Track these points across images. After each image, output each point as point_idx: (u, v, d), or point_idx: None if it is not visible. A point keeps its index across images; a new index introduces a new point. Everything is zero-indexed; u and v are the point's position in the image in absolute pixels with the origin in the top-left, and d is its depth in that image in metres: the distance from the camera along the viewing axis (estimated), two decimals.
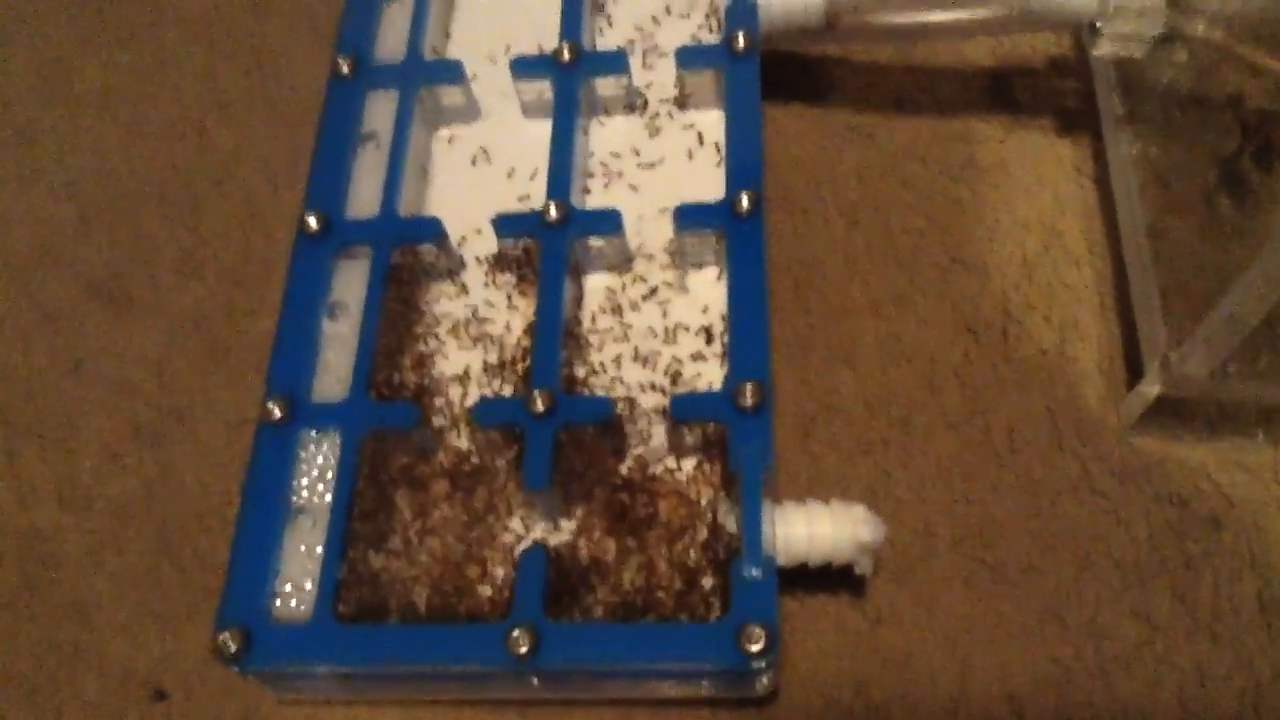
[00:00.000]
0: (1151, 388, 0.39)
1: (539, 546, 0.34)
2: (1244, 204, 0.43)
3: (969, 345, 0.42)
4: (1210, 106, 0.45)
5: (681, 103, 0.44)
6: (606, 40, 0.46)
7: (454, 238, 0.41)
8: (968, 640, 0.37)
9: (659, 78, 0.44)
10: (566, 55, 0.42)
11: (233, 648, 0.32)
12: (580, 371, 0.38)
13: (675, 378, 0.38)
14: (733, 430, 0.34)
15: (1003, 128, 0.48)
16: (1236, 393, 0.39)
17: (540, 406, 0.35)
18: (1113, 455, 0.40)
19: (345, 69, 0.43)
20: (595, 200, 0.42)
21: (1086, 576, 0.38)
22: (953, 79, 0.49)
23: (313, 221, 0.39)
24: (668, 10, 0.46)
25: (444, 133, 0.45)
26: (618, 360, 0.39)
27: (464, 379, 0.39)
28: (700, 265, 0.40)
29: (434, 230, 0.39)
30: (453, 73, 0.43)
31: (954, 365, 0.42)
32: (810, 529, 0.33)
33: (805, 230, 0.45)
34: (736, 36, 0.41)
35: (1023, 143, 0.47)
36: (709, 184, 0.41)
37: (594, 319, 0.40)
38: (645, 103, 0.44)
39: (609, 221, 0.39)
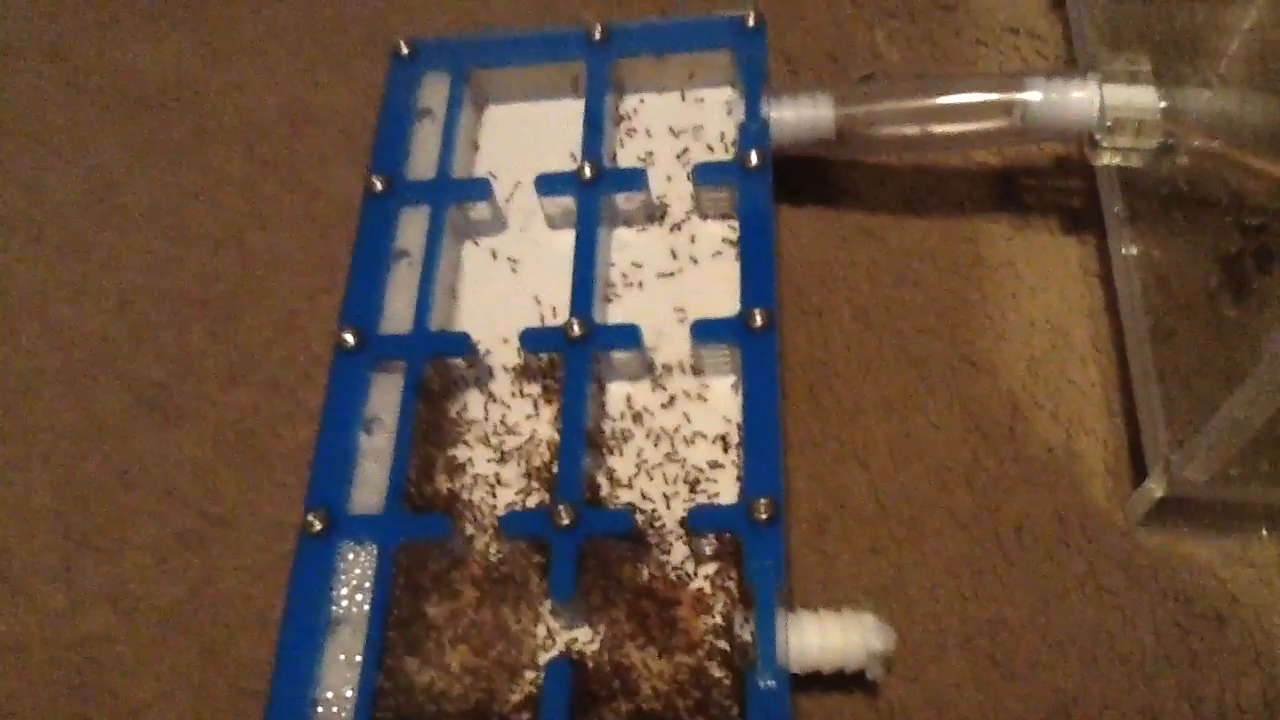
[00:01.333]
0: (1155, 488, 0.40)
1: (565, 657, 0.35)
2: (1246, 305, 0.44)
3: (978, 444, 0.44)
4: (1210, 209, 0.46)
5: (700, 214, 0.46)
6: (628, 152, 0.48)
7: (482, 347, 0.43)
8: None
9: (678, 190, 0.46)
10: (588, 173, 0.44)
11: None
12: (602, 479, 0.40)
13: (694, 485, 0.40)
14: (747, 543, 0.36)
15: (1010, 227, 0.49)
16: (1238, 495, 0.41)
17: (565, 519, 0.37)
18: (1119, 552, 0.41)
19: (379, 186, 0.45)
20: (617, 308, 0.44)
21: (1093, 674, 0.39)
22: (961, 180, 0.51)
23: (349, 338, 0.41)
24: (687, 124, 0.48)
25: (472, 245, 0.47)
26: (638, 468, 0.40)
27: (493, 487, 0.41)
28: (718, 374, 0.42)
29: (465, 345, 0.41)
30: (481, 189, 0.45)
31: (963, 464, 0.44)
32: (823, 639, 0.35)
33: (819, 331, 0.47)
34: (749, 155, 0.44)
35: (1029, 242, 0.49)
36: (727, 294, 0.43)
37: (615, 427, 0.41)
38: (665, 214, 0.46)
39: (629, 337, 0.41)
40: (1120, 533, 0.42)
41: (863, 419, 0.45)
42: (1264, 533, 0.42)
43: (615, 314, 0.44)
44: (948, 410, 0.45)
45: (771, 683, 0.33)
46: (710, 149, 0.47)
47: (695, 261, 0.45)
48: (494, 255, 0.46)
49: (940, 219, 0.50)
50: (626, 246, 0.46)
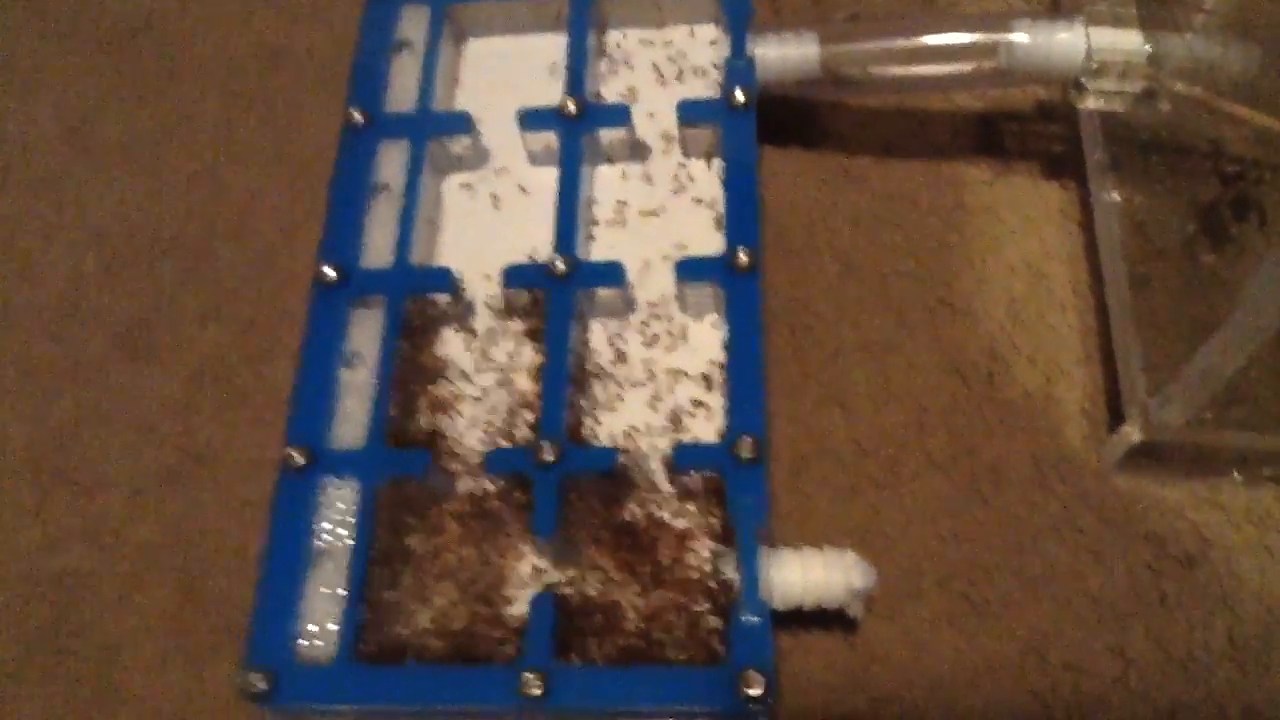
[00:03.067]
0: (1131, 432, 0.41)
1: (549, 592, 0.36)
2: (1223, 253, 0.45)
3: (956, 387, 0.44)
4: (1190, 156, 0.47)
5: (684, 152, 0.46)
6: (610, 88, 0.47)
7: (464, 283, 0.43)
8: (953, 678, 0.39)
9: (662, 127, 0.46)
10: (572, 108, 0.44)
11: (260, 687, 0.34)
12: (585, 417, 0.40)
13: (676, 423, 0.40)
14: (730, 481, 0.36)
15: (991, 171, 0.49)
16: (1212, 440, 0.41)
17: (548, 456, 0.37)
18: (1093, 495, 0.42)
19: (358, 119, 0.45)
20: (600, 245, 0.44)
21: (1066, 613, 0.40)
22: (944, 124, 0.51)
23: (329, 272, 0.41)
24: (670, 60, 0.48)
25: (453, 180, 0.46)
26: (621, 406, 0.41)
27: (475, 424, 0.40)
28: (700, 313, 0.42)
29: (446, 280, 0.41)
30: (462, 123, 0.45)
31: (941, 407, 0.44)
32: (804, 575, 0.35)
33: (800, 274, 0.47)
34: (734, 92, 0.43)
35: (1011, 187, 0.49)
36: (710, 232, 0.43)
37: (598, 365, 0.41)
38: (649, 152, 0.46)
39: (612, 274, 0.41)
40: (1095, 476, 0.42)
41: (842, 361, 0.45)
42: (1236, 476, 0.42)
43: (598, 251, 0.44)
44: (927, 353, 0.45)
45: (754, 618, 0.34)
46: (693, 87, 0.47)
47: (679, 199, 0.45)
48: (475, 191, 0.46)
49: (922, 162, 0.50)
50: (610, 184, 0.46)
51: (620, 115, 0.44)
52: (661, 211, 0.45)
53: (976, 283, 0.47)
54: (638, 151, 0.46)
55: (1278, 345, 0.43)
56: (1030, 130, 0.50)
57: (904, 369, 0.45)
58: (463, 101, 0.48)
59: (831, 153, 0.50)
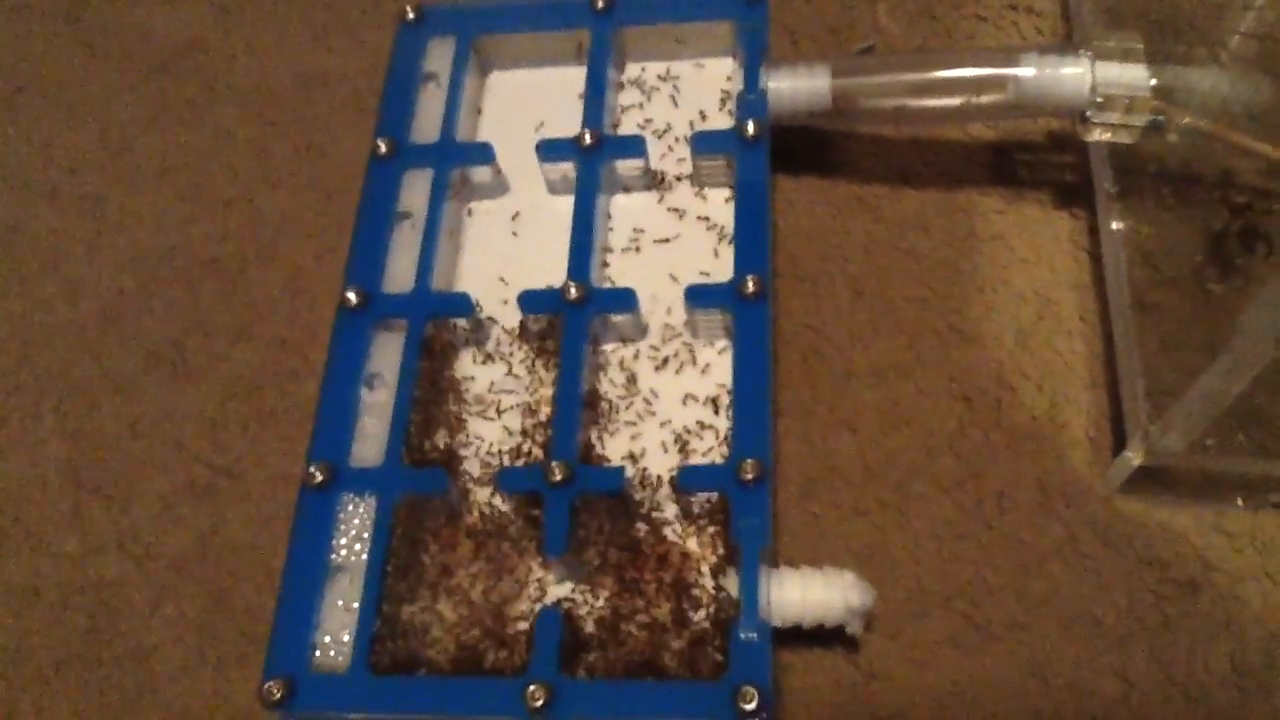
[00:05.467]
0: (1133, 457, 0.42)
1: (555, 607, 0.37)
2: (1230, 282, 0.45)
3: (964, 412, 0.45)
4: (1199, 186, 0.47)
5: (698, 182, 0.47)
6: (629, 119, 0.49)
7: (482, 308, 0.44)
8: (955, 697, 0.40)
9: (678, 157, 0.47)
10: (588, 140, 0.45)
11: (277, 695, 0.36)
12: (595, 438, 0.41)
13: (684, 446, 0.41)
14: (734, 502, 0.37)
15: (1003, 200, 0.50)
16: (1214, 465, 0.42)
17: (558, 476, 0.38)
18: (1098, 519, 0.43)
19: (384, 149, 0.46)
20: (615, 271, 0.45)
21: (1069, 636, 0.41)
22: (956, 152, 0.52)
23: (352, 296, 0.43)
24: (688, 93, 0.49)
25: (475, 207, 0.48)
26: (631, 428, 0.42)
27: (490, 444, 0.42)
28: (711, 338, 0.43)
29: (465, 305, 0.43)
30: (483, 154, 0.46)
31: (949, 432, 0.45)
32: (804, 594, 0.36)
33: (813, 299, 0.48)
34: (746, 124, 0.44)
35: (1022, 215, 0.50)
36: (722, 260, 0.45)
37: (610, 388, 0.43)
38: (664, 181, 0.47)
39: (625, 300, 0.42)
40: (1100, 500, 0.43)
41: (853, 385, 0.46)
42: (1239, 502, 0.43)
43: (613, 278, 0.45)
44: (936, 379, 0.46)
45: (754, 635, 0.35)
46: (710, 118, 0.48)
47: (693, 228, 0.46)
48: (496, 218, 0.47)
49: (935, 191, 0.51)
50: (626, 212, 0.47)
51: (635, 146, 0.46)
52: (675, 239, 0.46)
53: (986, 310, 0.47)
54: (654, 181, 0.47)
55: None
56: (1042, 160, 0.51)
57: (913, 394, 0.46)
58: (486, 131, 0.50)
59: (845, 181, 0.51)
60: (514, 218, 0.47)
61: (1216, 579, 0.41)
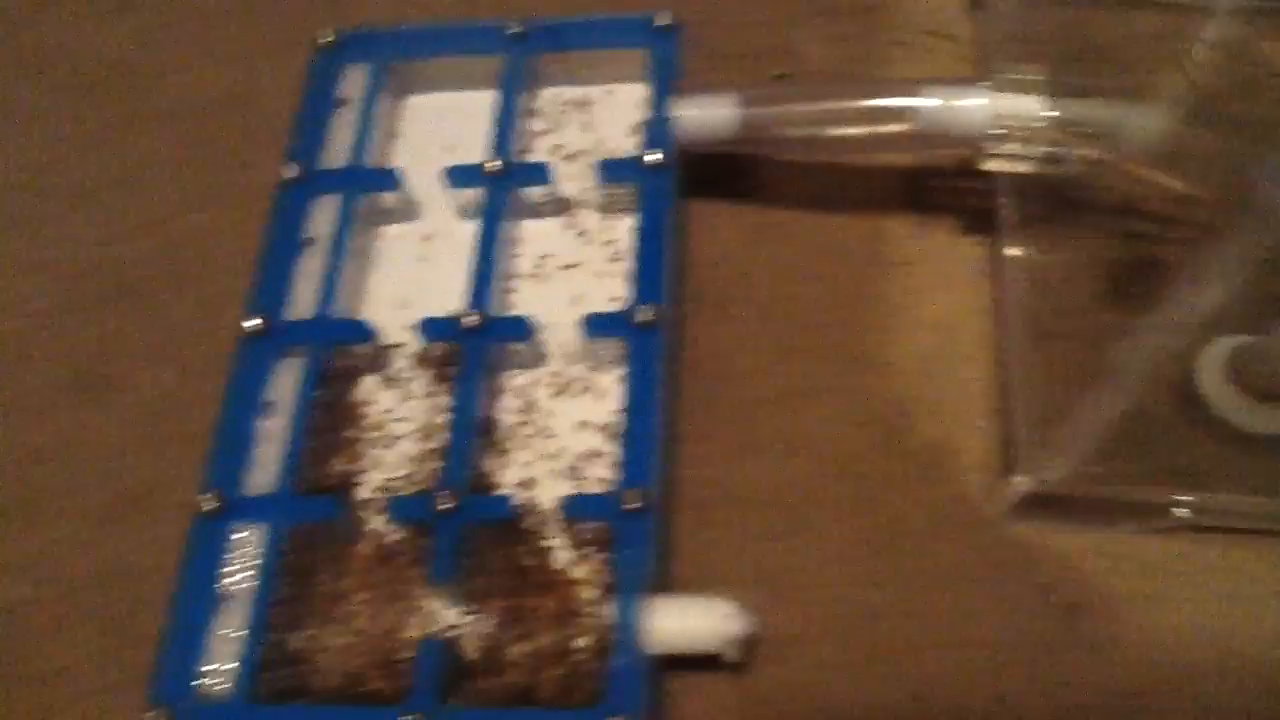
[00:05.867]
0: (1020, 483, 0.42)
1: (436, 637, 0.37)
2: (1124, 311, 0.46)
3: (863, 439, 0.46)
4: (1098, 216, 0.48)
5: (606, 209, 0.48)
6: (542, 145, 0.49)
7: (387, 335, 0.45)
8: None
9: (588, 183, 0.48)
10: (495, 166, 0.46)
11: None
12: (490, 466, 0.42)
13: (577, 473, 0.42)
14: (617, 531, 0.38)
15: (913, 226, 0.51)
16: (1099, 492, 0.42)
17: (446, 504, 0.38)
18: (987, 545, 0.43)
19: (292, 174, 0.47)
20: (521, 297, 0.46)
21: (952, 660, 0.41)
22: (870, 178, 0.52)
23: (254, 324, 0.43)
24: (600, 118, 0.50)
25: (386, 232, 0.48)
26: (527, 455, 0.42)
27: (387, 471, 0.42)
28: (611, 365, 0.44)
29: (365, 332, 0.43)
30: (390, 180, 0.47)
31: (847, 457, 0.45)
32: (682, 622, 0.37)
33: (720, 326, 0.49)
34: (650, 153, 0.45)
35: (931, 242, 0.50)
36: (627, 287, 0.45)
37: (507, 415, 0.43)
38: (573, 207, 0.48)
39: (523, 329, 0.43)
40: (991, 526, 0.44)
41: (756, 412, 0.47)
42: (1128, 527, 0.44)
43: (518, 304, 0.46)
44: (837, 404, 0.47)
45: (628, 663, 0.35)
46: (620, 145, 0.49)
47: (599, 254, 0.47)
48: (407, 244, 0.48)
49: (847, 217, 0.51)
50: (534, 238, 0.48)
51: (541, 173, 0.46)
52: (581, 266, 0.46)
53: (890, 336, 0.48)
54: (562, 207, 0.48)
55: (1174, 403, 0.45)
56: (953, 187, 0.52)
57: (814, 419, 0.46)
58: (401, 156, 0.50)
59: (760, 206, 0.52)
60: (424, 243, 0.48)
61: (1098, 602, 0.42)
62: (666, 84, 0.47)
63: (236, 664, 0.37)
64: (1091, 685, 0.40)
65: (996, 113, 0.45)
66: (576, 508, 0.39)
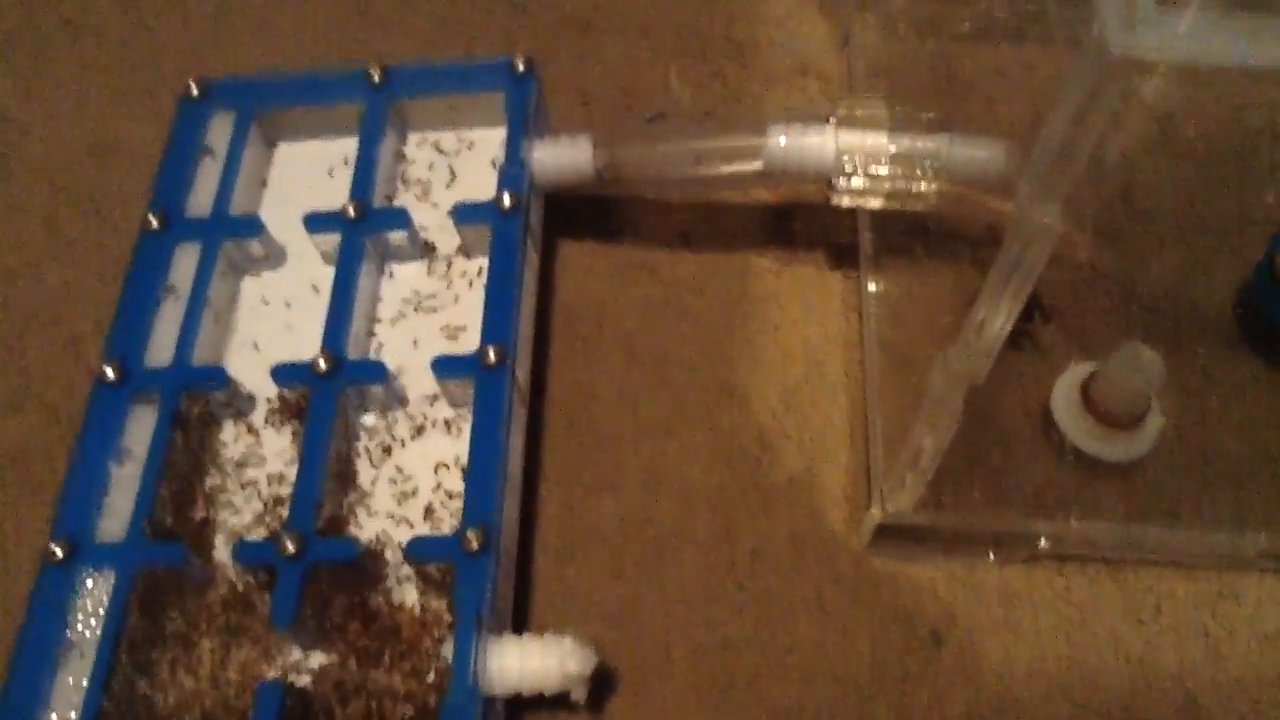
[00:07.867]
0: (875, 514, 0.43)
1: (275, 682, 0.37)
2: None
3: (724, 472, 0.46)
4: (959, 246, 0.49)
5: (466, 251, 0.48)
6: (407, 189, 0.50)
7: (249, 380, 0.45)
8: None
9: (449, 226, 0.48)
10: (352, 212, 0.46)
11: None
12: (345, 508, 0.42)
13: (431, 514, 0.42)
14: (458, 571, 0.38)
15: (779, 260, 0.52)
16: (953, 522, 0.43)
17: (290, 549, 0.38)
18: (847, 576, 0.44)
19: (154, 224, 0.47)
20: (382, 340, 0.46)
21: (810, 690, 0.42)
22: (735, 214, 0.53)
23: (109, 371, 0.43)
24: (462, 162, 0.50)
25: (250, 280, 0.48)
26: (382, 496, 0.42)
27: (241, 516, 0.42)
28: (468, 406, 0.44)
29: (219, 378, 0.43)
30: (252, 227, 0.47)
31: (709, 490, 0.46)
32: (522, 662, 0.37)
33: (586, 362, 0.49)
34: (503, 196, 0.46)
35: (796, 275, 0.51)
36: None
37: (363, 457, 0.43)
38: (435, 250, 0.48)
39: (375, 372, 0.43)
40: (851, 557, 0.44)
41: (618, 447, 0.47)
42: (990, 557, 0.44)
43: (380, 347, 0.46)
44: (701, 438, 0.47)
45: (464, 704, 0.35)
46: (482, 188, 0.49)
47: (458, 297, 0.47)
48: (272, 290, 0.48)
49: (713, 252, 0.52)
50: (396, 282, 0.48)
51: (400, 218, 0.46)
52: (442, 308, 0.47)
53: (754, 369, 0.49)
54: (424, 251, 0.48)
55: (1032, 431, 0.46)
56: (818, 221, 0.53)
57: (677, 454, 0.47)
58: (268, 203, 0.50)
59: (626, 243, 0.52)
60: (288, 289, 0.48)
61: (959, 632, 0.43)
62: (521, 127, 0.48)
63: (76, 713, 0.37)
64: (953, 714, 0.41)
65: (840, 148, 0.46)
66: (418, 550, 0.39)
